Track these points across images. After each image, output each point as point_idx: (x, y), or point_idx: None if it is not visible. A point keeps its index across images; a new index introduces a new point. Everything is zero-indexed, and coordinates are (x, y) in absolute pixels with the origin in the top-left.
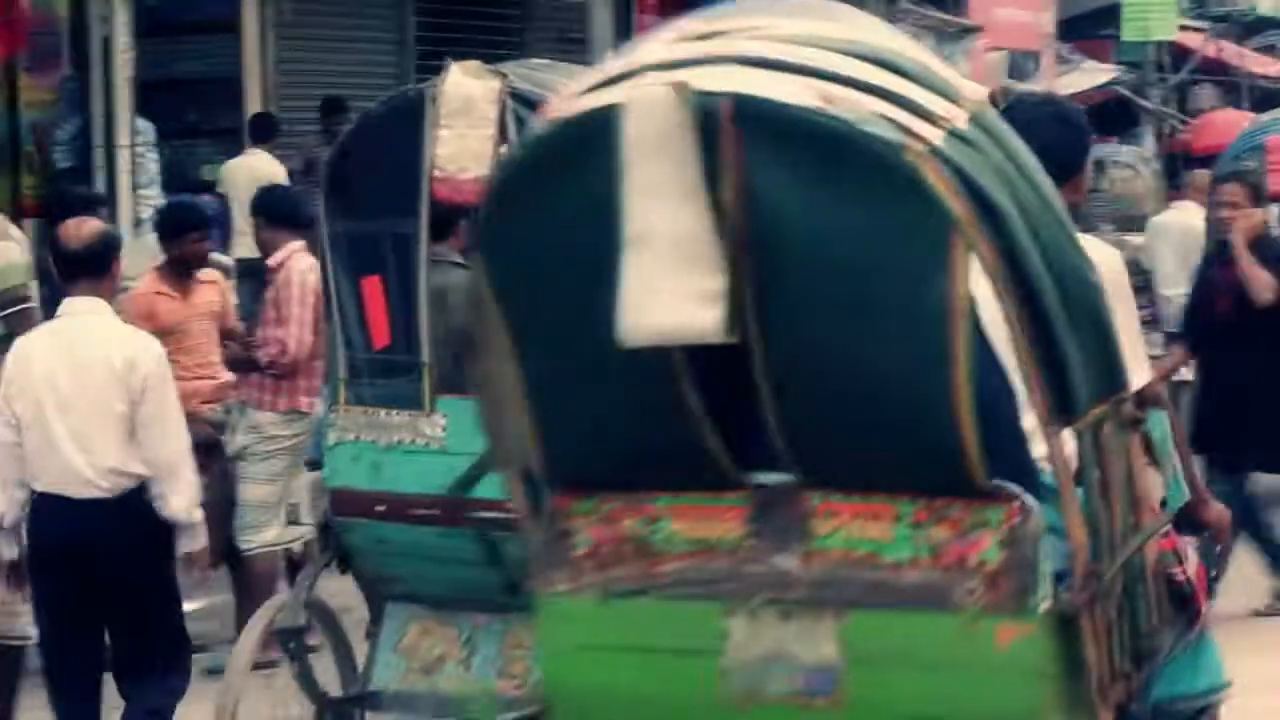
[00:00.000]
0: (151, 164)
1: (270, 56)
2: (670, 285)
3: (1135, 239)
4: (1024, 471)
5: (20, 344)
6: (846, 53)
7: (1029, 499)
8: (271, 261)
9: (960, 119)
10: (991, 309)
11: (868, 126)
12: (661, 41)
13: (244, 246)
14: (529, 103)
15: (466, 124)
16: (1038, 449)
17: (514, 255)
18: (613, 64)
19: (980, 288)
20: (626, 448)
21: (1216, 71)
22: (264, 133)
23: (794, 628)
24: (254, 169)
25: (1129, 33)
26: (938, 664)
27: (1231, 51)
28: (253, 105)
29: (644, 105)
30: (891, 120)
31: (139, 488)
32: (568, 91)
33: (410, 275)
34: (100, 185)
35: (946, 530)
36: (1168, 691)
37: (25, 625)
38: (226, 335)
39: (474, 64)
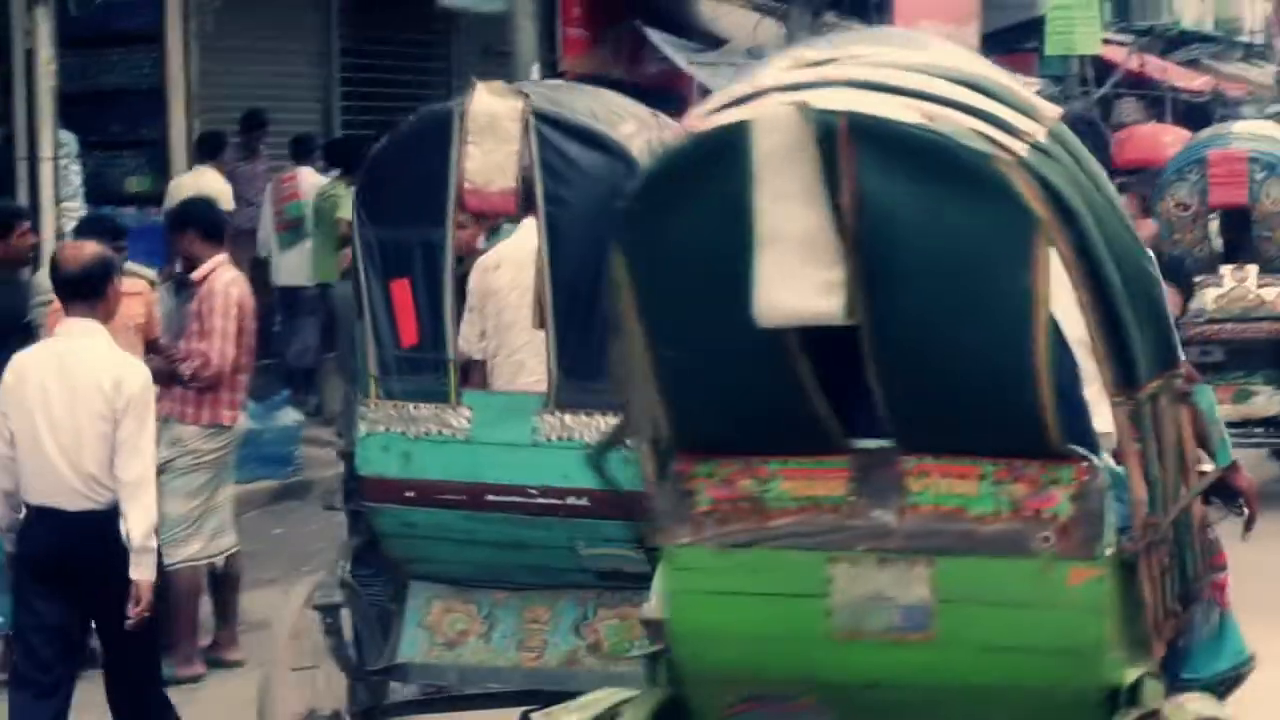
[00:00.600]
0: (75, 176)
1: (194, 69)
2: (797, 275)
3: None
4: (1085, 437)
5: (16, 361)
6: (940, 76)
7: (1095, 459)
8: (195, 274)
9: (1040, 133)
10: (1061, 296)
11: (964, 140)
12: (779, 67)
13: None
14: (549, 120)
15: (493, 140)
16: (1096, 418)
17: (651, 251)
18: (738, 86)
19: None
20: (744, 417)
21: (1140, 85)
22: (211, 150)
23: (891, 573)
24: (201, 185)
25: (1053, 46)
26: (1017, 602)
27: (1155, 65)
28: (176, 118)
29: (772, 122)
30: (983, 135)
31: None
32: (700, 110)
33: (437, 278)
34: (23, 198)
35: (1024, 487)
36: (1193, 673)
37: None
38: (150, 348)
39: (498, 84)
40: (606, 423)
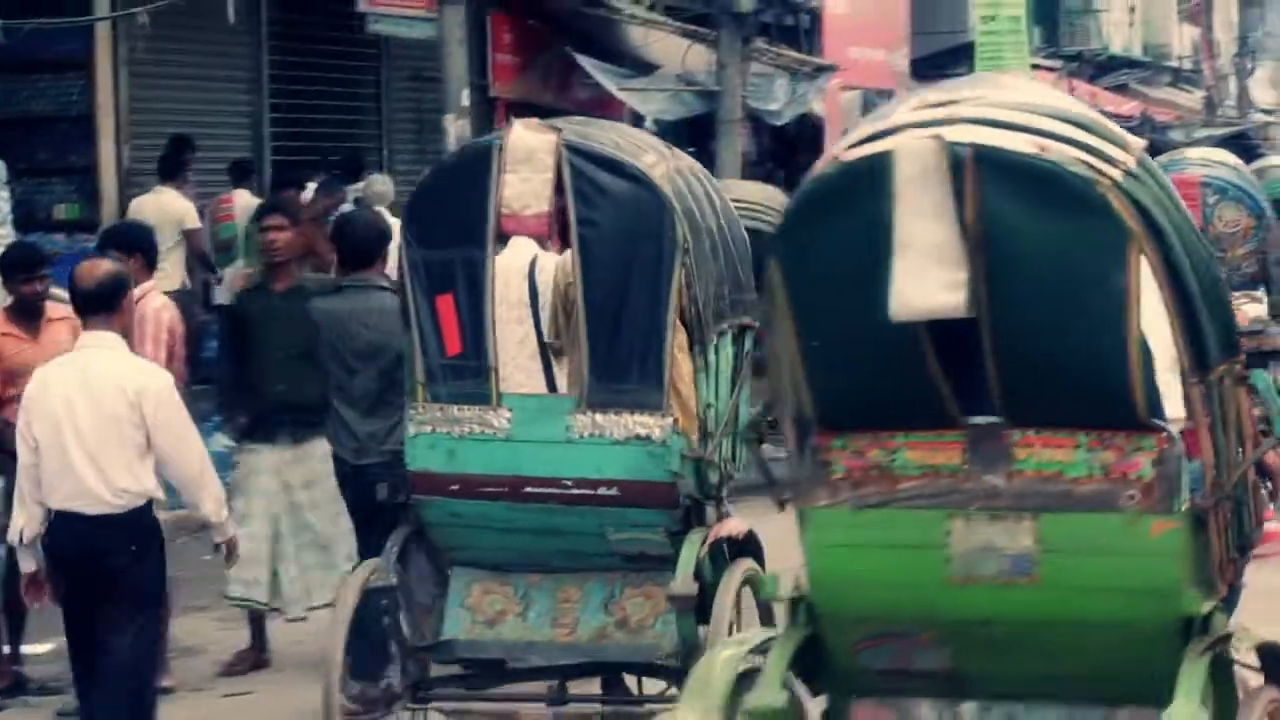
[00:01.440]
0: (3, 203)
1: (123, 95)
2: (928, 277)
3: None
4: (1160, 413)
5: (39, 374)
6: (1045, 114)
7: (1172, 430)
8: (135, 293)
9: (1130, 161)
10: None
11: (1071, 168)
12: (909, 107)
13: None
14: (579, 151)
15: (529, 170)
16: (1166, 398)
17: (802, 259)
18: (874, 124)
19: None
20: (876, 398)
21: None
22: (173, 170)
23: (1000, 527)
24: (163, 206)
25: (983, 71)
26: (1107, 550)
27: (1084, 90)
28: (105, 144)
29: (911, 152)
30: (1085, 163)
31: (146, 505)
32: (842, 143)
33: (478, 294)
34: None
35: (1113, 454)
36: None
37: None
38: None
39: (533, 120)
40: (633, 420)
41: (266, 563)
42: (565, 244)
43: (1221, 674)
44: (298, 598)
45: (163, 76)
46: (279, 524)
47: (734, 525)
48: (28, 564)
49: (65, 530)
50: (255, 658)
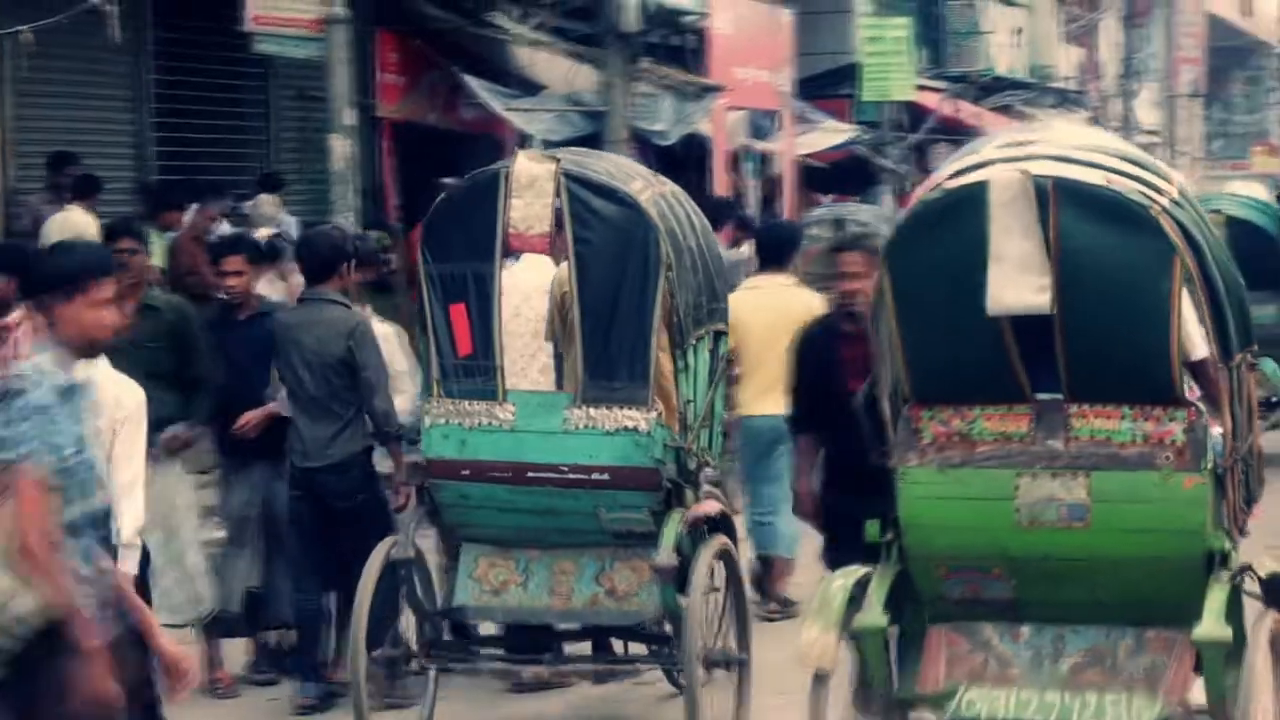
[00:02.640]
0: None
1: (6, 112)
2: (1017, 282)
3: None
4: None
5: None
6: (1108, 153)
7: (1200, 405)
8: (10, 319)
9: (1174, 191)
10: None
11: (1131, 196)
12: (994, 146)
13: None
14: (576, 179)
15: (532, 195)
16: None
17: (908, 267)
18: (966, 159)
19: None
20: (961, 378)
21: (954, 131)
22: (86, 189)
23: (1059, 482)
24: (73, 224)
25: (868, 93)
26: (1146, 500)
27: (969, 111)
28: None
29: (1003, 182)
30: (1142, 192)
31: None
32: (940, 175)
33: (487, 303)
34: None
35: (1152, 424)
36: None
37: None
38: None
39: (536, 151)
40: (622, 413)
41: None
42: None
43: (1234, 600)
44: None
45: (46, 95)
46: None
47: (709, 506)
48: None
49: None
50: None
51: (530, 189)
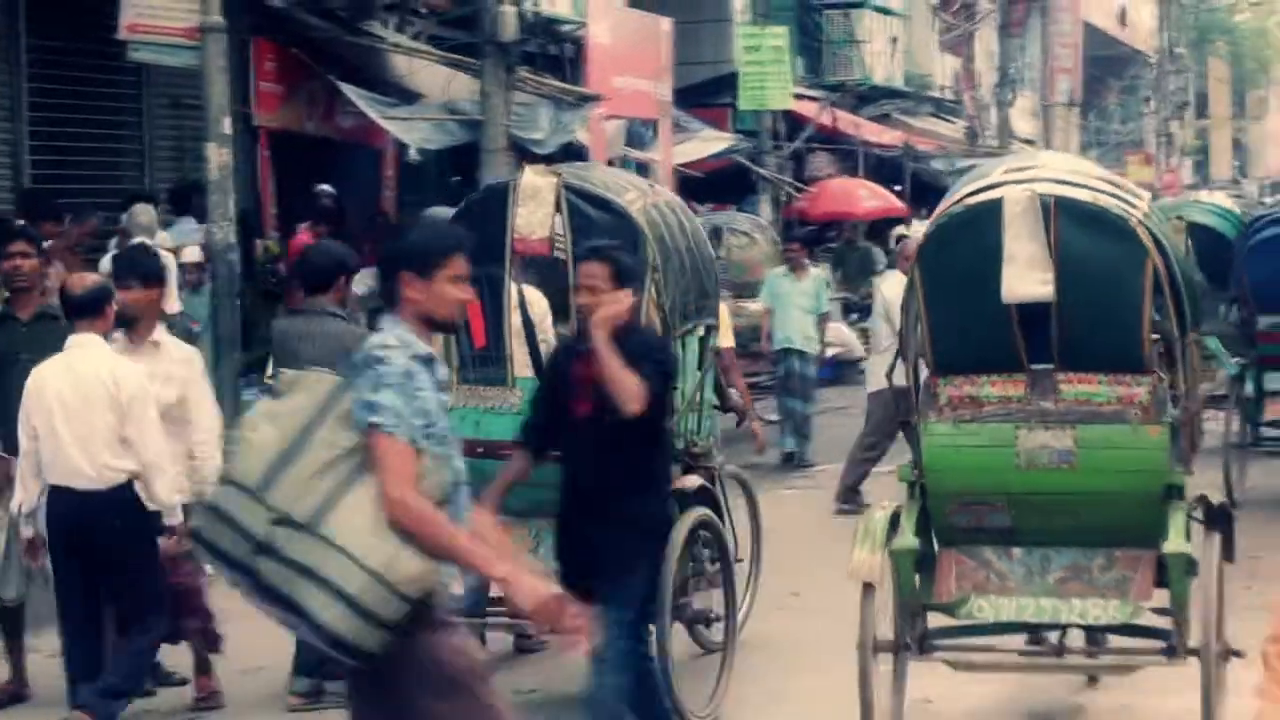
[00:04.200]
0: None
1: None
2: (1028, 276)
3: (752, 305)
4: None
5: (36, 371)
6: (1091, 176)
7: (1162, 372)
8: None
9: (1145, 206)
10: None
11: (1114, 209)
12: (1001, 172)
13: None
14: (574, 190)
15: (535, 205)
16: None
17: (936, 263)
18: (979, 181)
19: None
20: (973, 352)
21: (832, 140)
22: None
23: (1051, 433)
24: None
25: (746, 102)
26: (1121, 446)
27: (846, 120)
28: None
29: (1015, 199)
30: (1121, 207)
31: (127, 481)
32: (959, 193)
33: (499, 301)
34: None
35: (1123, 387)
36: None
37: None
38: None
39: (540, 166)
40: None
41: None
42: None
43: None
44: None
45: None
46: None
47: (689, 481)
48: (27, 531)
49: (60, 502)
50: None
51: (534, 199)
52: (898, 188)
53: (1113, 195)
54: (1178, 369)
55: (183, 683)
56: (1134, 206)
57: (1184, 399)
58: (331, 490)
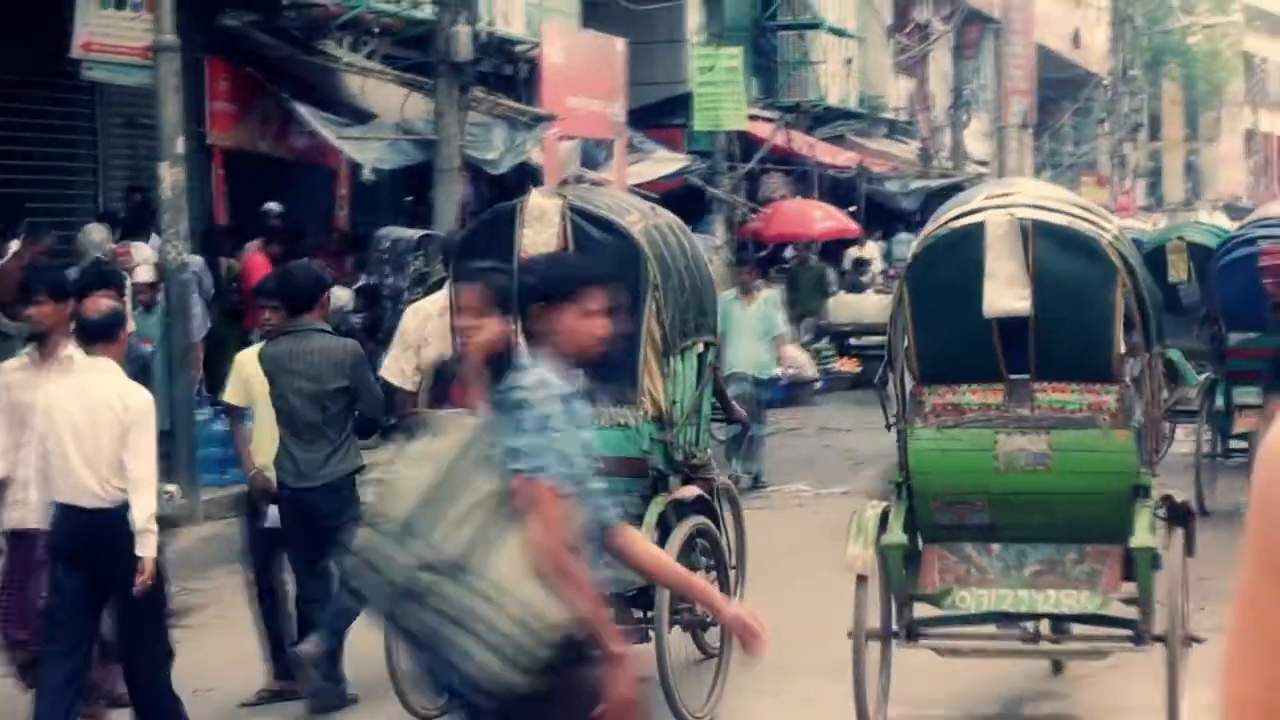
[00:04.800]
0: None
1: None
2: (1007, 292)
3: None
4: (1122, 373)
5: (49, 390)
6: (1067, 201)
7: (1129, 382)
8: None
9: (1115, 229)
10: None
11: (1087, 231)
12: (982, 197)
13: None
14: (579, 212)
15: (541, 225)
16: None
17: (922, 281)
18: (962, 206)
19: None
20: (957, 363)
21: (787, 160)
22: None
23: (1027, 438)
24: None
25: (700, 122)
26: (1092, 449)
27: (801, 141)
28: None
29: (996, 222)
30: (1092, 229)
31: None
32: (945, 217)
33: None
34: None
35: (1094, 395)
36: None
37: None
38: None
39: (547, 188)
40: (614, 411)
41: None
42: None
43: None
44: None
45: None
46: None
47: (686, 491)
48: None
49: (67, 520)
50: None
51: (540, 219)
52: (852, 209)
53: (1085, 219)
54: (1144, 379)
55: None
56: (1105, 229)
57: (1150, 405)
58: (474, 536)
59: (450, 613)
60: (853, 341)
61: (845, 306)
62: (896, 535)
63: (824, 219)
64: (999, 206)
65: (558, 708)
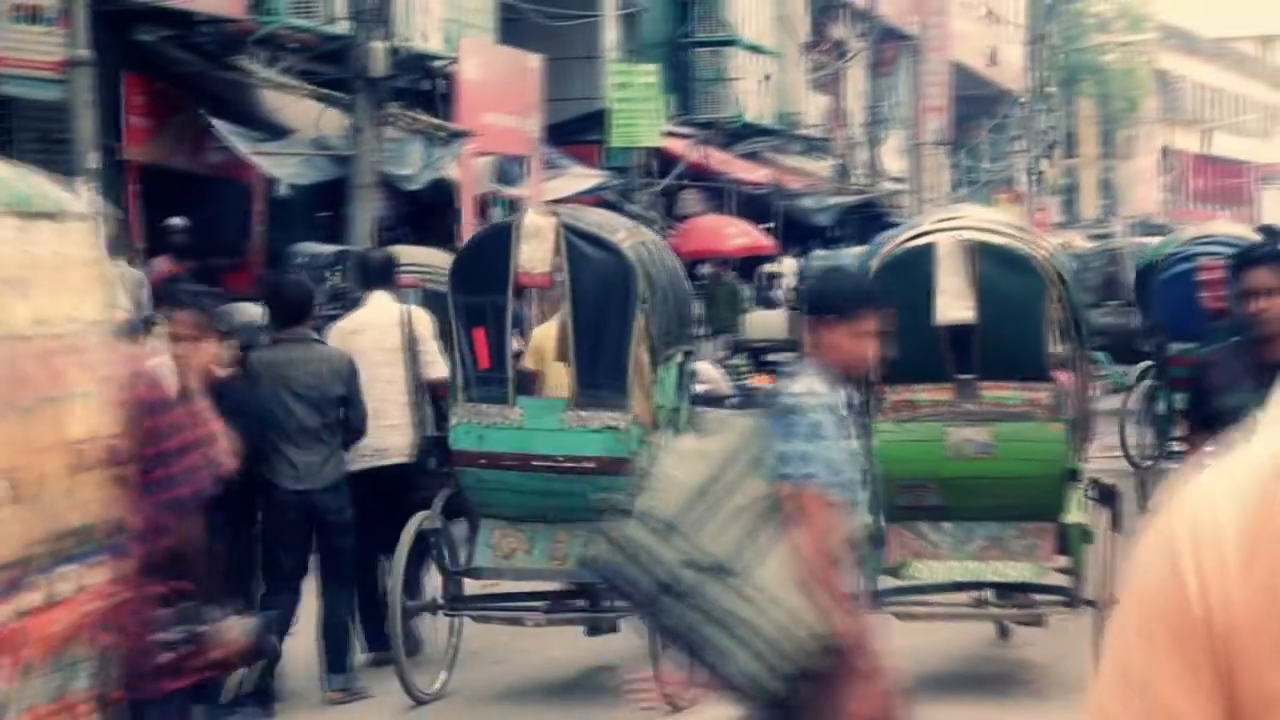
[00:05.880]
0: None
1: None
2: (955, 303)
3: None
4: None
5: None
6: (1005, 224)
7: (1061, 379)
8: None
9: (1050, 247)
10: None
11: (1024, 249)
12: (931, 222)
13: None
14: (572, 230)
15: (537, 242)
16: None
17: (880, 296)
18: (915, 230)
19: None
20: (912, 365)
21: (703, 177)
22: None
23: (974, 429)
24: None
25: (616, 139)
26: (1029, 439)
27: (717, 157)
28: None
29: (945, 243)
30: (1029, 247)
31: None
32: (898, 239)
33: (501, 326)
34: None
35: (1031, 392)
36: None
37: None
38: None
39: (541, 206)
40: (606, 415)
41: None
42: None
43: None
44: None
45: None
46: None
47: None
48: None
49: None
50: None
51: (535, 237)
52: (767, 225)
53: (1022, 240)
54: (1075, 376)
55: None
56: (1039, 248)
57: (1079, 400)
58: (741, 538)
59: (713, 612)
60: (767, 358)
61: (759, 323)
62: (862, 515)
63: (739, 235)
64: (947, 230)
65: (811, 716)
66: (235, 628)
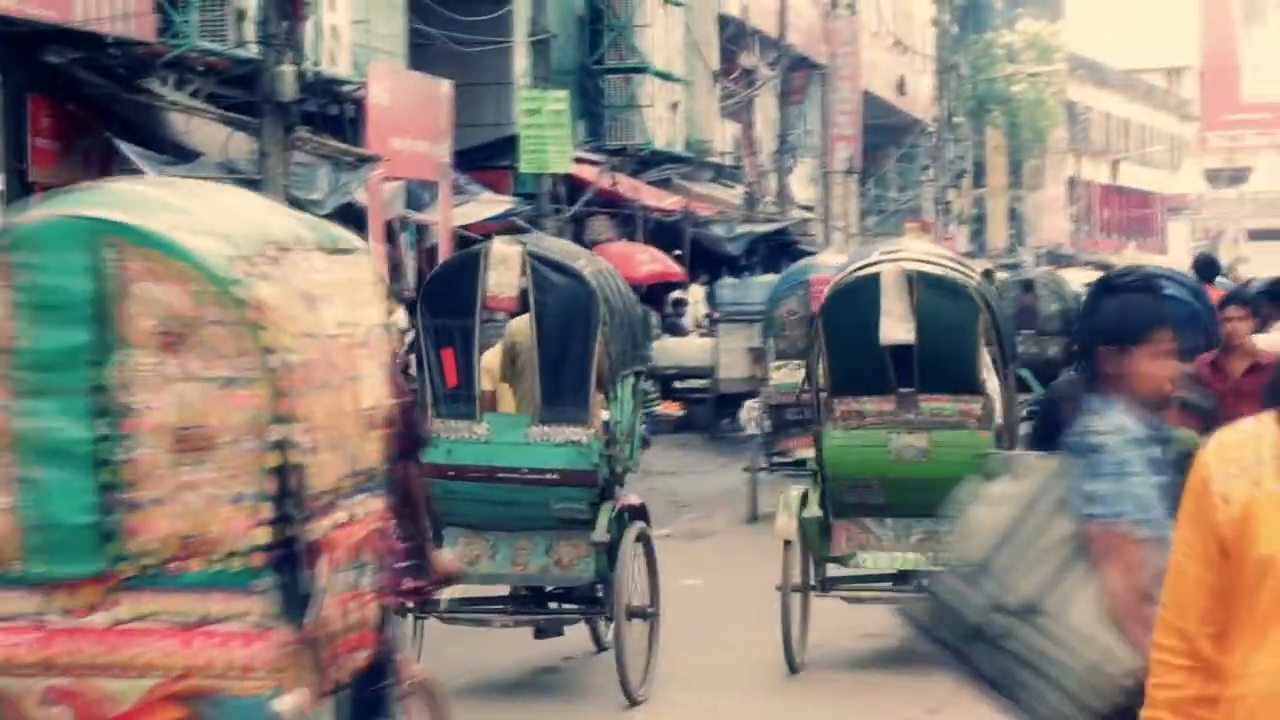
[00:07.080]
0: None
1: None
2: (897, 325)
3: None
4: (984, 386)
5: None
6: (942, 255)
7: (989, 394)
8: None
9: (979, 276)
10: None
11: (957, 278)
12: (878, 254)
13: None
14: (537, 257)
15: (504, 268)
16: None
17: (833, 317)
18: (862, 260)
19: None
20: (858, 379)
21: (612, 204)
22: None
23: (913, 436)
24: None
25: (526, 164)
26: (962, 445)
27: (627, 184)
28: None
29: (889, 272)
30: (961, 276)
31: None
32: (849, 268)
33: (469, 348)
34: None
35: (964, 404)
36: None
37: None
38: None
39: (509, 236)
40: (568, 430)
41: None
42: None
43: None
44: None
45: None
46: None
47: (631, 498)
48: None
49: None
50: None
51: (503, 264)
52: (677, 252)
53: (956, 270)
54: (1001, 392)
55: None
56: (971, 277)
57: (1005, 413)
58: (1050, 578)
59: (1024, 655)
60: (676, 385)
61: (668, 350)
62: (814, 510)
63: (649, 262)
64: (891, 261)
65: None
66: (442, 557)
